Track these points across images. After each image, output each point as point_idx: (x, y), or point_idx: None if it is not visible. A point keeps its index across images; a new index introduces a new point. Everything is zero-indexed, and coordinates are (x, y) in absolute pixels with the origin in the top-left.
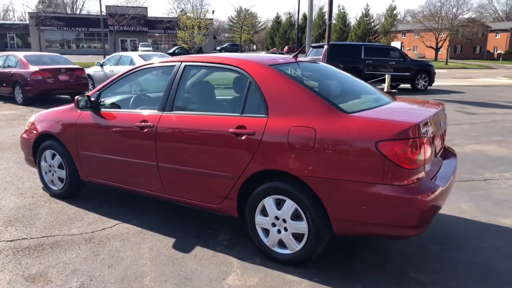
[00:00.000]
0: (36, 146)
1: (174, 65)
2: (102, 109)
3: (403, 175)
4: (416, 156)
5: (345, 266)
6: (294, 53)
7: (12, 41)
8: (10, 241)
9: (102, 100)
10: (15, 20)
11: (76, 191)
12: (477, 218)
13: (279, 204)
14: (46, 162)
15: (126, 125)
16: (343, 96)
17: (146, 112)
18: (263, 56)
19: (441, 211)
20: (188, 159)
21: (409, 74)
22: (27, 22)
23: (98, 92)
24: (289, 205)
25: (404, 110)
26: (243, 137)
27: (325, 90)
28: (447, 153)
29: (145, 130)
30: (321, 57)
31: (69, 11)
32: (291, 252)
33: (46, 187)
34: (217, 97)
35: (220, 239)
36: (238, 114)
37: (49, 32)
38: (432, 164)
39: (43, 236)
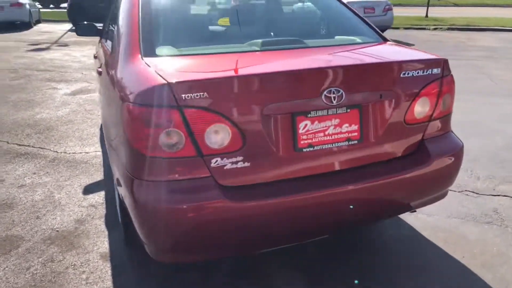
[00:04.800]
0: None
1: None
2: None
3: (148, 164)
4: (160, 133)
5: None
6: None
7: None
8: None
9: None
10: None
11: None
12: None
13: None
14: None
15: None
16: (245, 36)
17: None
18: None
19: None
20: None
21: None
22: None
23: None
24: None
25: (262, 61)
26: None
27: (203, 26)
28: (420, 152)
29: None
30: None
31: None
32: None
33: None
34: None
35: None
36: None
37: None
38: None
39: (28, 146)
